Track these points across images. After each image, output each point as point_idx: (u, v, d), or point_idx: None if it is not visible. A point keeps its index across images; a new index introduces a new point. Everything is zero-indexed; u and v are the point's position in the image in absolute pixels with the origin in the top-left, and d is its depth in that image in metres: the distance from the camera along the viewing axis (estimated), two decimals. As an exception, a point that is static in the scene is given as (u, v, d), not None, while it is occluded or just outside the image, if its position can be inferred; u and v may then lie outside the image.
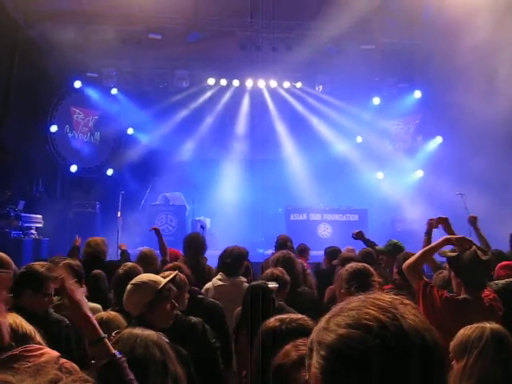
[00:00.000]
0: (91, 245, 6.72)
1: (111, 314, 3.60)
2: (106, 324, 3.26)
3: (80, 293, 2.51)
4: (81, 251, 7.29)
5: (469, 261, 3.57)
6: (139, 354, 2.37)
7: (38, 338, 2.47)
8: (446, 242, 3.73)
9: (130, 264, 4.72)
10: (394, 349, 1.05)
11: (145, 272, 5.71)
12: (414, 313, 1.13)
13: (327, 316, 1.16)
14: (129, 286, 3.53)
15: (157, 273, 5.52)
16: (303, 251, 8.39)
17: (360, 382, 1.04)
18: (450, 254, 3.72)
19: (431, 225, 4.13)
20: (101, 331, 2.40)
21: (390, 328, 1.07)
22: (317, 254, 9.37)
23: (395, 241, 7.24)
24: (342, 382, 1.06)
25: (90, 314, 2.44)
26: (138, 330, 2.49)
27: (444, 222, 4.08)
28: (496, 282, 4.23)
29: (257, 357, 2.45)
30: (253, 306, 3.81)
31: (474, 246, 3.62)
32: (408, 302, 1.17)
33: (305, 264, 6.47)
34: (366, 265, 3.90)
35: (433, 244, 3.88)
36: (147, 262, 6.05)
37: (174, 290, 3.56)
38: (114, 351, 2.25)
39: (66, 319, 3.95)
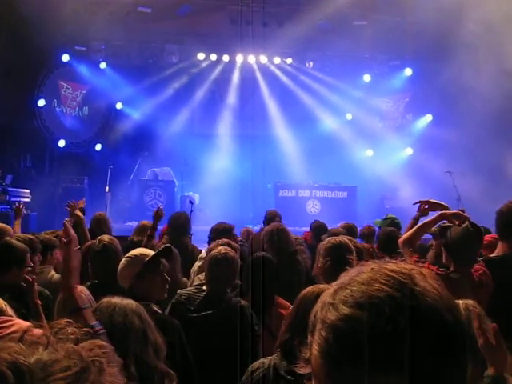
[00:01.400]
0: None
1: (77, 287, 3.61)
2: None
3: (77, 259, 2.51)
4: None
5: (458, 235, 3.55)
6: (118, 322, 2.37)
7: (10, 311, 2.47)
8: (441, 217, 3.71)
9: (105, 237, 4.69)
10: (407, 335, 0.90)
11: (142, 242, 5.79)
12: (434, 286, 0.98)
13: (334, 286, 1.02)
14: (122, 261, 3.62)
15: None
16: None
17: (365, 372, 0.91)
18: (442, 226, 3.73)
19: (422, 211, 4.02)
20: (81, 302, 2.41)
21: (405, 310, 0.92)
22: (306, 230, 9.39)
23: (391, 216, 7.22)
24: (343, 369, 0.93)
25: (74, 285, 2.43)
26: (116, 299, 2.49)
27: (437, 208, 3.98)
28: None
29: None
30: (254, 277, 3.82)
31: (467, 221, 3.60)
32: (427, 271, 1.02)
33: (299, 239, 6.50)
34: (345, 240, 3.82)
35: (429, 219, 3.84)
36: (145, 233, 6.14)
37: (164, 264, 3.57)
38: (92, 322, 2.25)
39: (46, 290, 3.98)
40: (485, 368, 2.25)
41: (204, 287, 4.09)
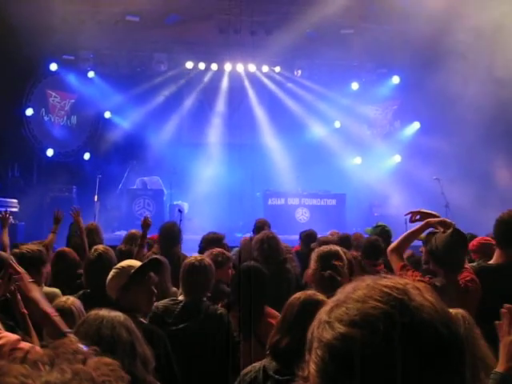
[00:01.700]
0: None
1: (67, 301, 3.57)
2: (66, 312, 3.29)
3: (36, 290, 2.47)
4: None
5: (442, 242, 3.56)
6: (106, 334, 2.35)
7: None
8: (428, 225, 3.73)
9: (100, 247, 4.67)
10: (402, 351, 0.90)
11: (131, 252, 5.78)
12: (430, 300, 0.98)
13: (331, 304, 1.02)
14: (110, 272, 3.58)
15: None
16: None
17: None
18: (426, 235, 3.75)
19: (414, 222, 4.03)
20: (63, 326, 2.38)
21: (399, 327, 0.92)
22: (295, 238, 9.40)
23: (381, 223, 7.26)
24: None
25: (49, 310, 2.39)
26: (104, 312, 2.48)
27: (429, 218, 3.98)
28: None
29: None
30: (243, 287, 3.82)
31: (451, 228, 3.61)
32: (422, 285, 1.03)
33: (289, 248, 6.51)
34: (335, 248, 3.86)
35: (414, 228, 3.87)
36: (134, 243, 6.14)
37: (151, 277, 3.54)
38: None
39: None
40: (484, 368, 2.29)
41: (180, 298, 4.08)
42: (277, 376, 2.54)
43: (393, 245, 3.86)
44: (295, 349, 2.48)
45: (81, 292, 4.26)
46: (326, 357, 0.95)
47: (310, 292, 2.89)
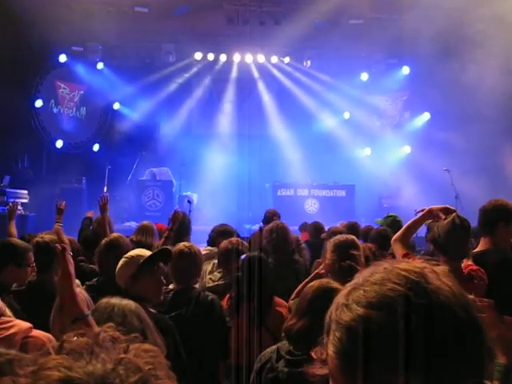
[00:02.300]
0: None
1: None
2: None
3: (73, 267, 2.49)
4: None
5: (444, 229, 3.55)
6: (117, 322, 2.32)
7: (9, 312, 2.46)
8: (430, 212, 3.72)
9: (114, 235, 4.69)
10: (420, 333, 0.91)
11: (142, 242, 5.80)
12: (447, 284, 0.99)
13: (348, 287, 1.03)
14: (120, 261, 3.58)
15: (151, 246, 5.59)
16: (305, 228, 8.57)
17: (380, 371, 0.92)
18: (429, 223, 3.73)
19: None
20: (84, 309, 2.38)
21: (417, 308, 0.93)
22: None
23: (393, 214, 7.23)
24: (359, 369, 0.93)
25: (76, 291, 2.41)
26: (115, 300, 2.48)
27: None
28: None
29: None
30: (250, 276, 3.83)
31: (454, 214, 3.59)
32: (440, 268, 1.03)
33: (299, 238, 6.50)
34: (351, 237, 3.85)
35: (417, 216, 3.86)
36: (146, 234, 6.14)
37: (161, 267, 3.53)
38: (96, 330, 2.22)
39: None
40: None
41: (170, 286, 4.09)
42: (288, 356, 2.67)
43: (397, 235, 3.84)
44: (307, 332, 2.58)
45: (95, 279, 4.28)
46: (344, 338, 0.96)
47: (325, 280, 2.97)
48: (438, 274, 1.01)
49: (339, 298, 1.02)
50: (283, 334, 2.85)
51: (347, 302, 0.99)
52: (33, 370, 0.82)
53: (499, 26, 11.57)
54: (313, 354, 1.15)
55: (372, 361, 0.92)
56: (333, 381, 1.01)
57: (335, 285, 2.76)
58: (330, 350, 1.00)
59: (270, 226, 5.60)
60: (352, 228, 6.74)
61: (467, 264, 3.64)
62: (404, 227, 3.87)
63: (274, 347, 2.83)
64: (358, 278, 1.03)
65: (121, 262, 3.54)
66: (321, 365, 1.05)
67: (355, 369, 0.94)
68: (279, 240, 5.37)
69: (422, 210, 3.99)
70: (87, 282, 4.21)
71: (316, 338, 1.08)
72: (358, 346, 0.94)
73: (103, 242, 4.50)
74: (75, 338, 0.92)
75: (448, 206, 3.70)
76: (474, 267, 3.61)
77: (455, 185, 12.37)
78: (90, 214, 8.10)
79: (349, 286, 1.03)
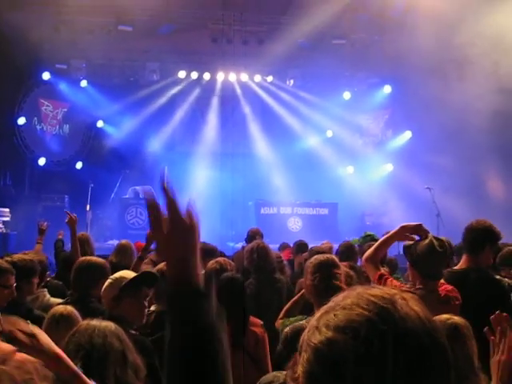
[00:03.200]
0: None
1: (67, 309, 3.55)
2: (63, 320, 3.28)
3: (45, 338, 2.36)
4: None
5: (423, 250, 3.55)
6: (98, 343, 2.36)
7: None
8: (403, 230, 3.72)
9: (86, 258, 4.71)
10: (383, 359, 0.93)
11: (121, 263, 5.77)
12: (416, 310, 1.01)
13: (321, 311, 1.06)
14: (106, 282, 3.58)
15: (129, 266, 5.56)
16: (285, 248, 8.56)
17: None
18: (405, 243, 3.73)
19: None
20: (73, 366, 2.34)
21: (381, 334, 0.95)
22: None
23: (370, 233, 7.19)
24: None
25: (59, 351, 2.22)
26: (95, 322, 2.49)
27: (419, 232, 4.02)
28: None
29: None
30: (225, 298, 3.80)
31: (429, 235, 3.61)
32: (410, 296, 1.05)
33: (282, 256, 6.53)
34: (331, 256, 3.83)
35: (389, 234, 3.85)
36: (124, 254, 6.13)
37: (144, 290, 3.51)
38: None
39: (44, 314, 3.92)
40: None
41: (152, 308, 4.09)
42: None
43: (367, 253, 3.82)
44: None
45: (68, 297, 4.28)
46: (311, 359, 1.00)
47: None
48: (408, 300, 1.03)
49: (312, 320, 1.06)
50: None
51: (318, 325, 1.02)
52: None
53: (482, 44, 11.76)
54: (286, 373, 1.18)
55: (336, 382, 0.95)
56: None
57: None
58: (300, 369, 1.03)
59: (251, 245, 5.63)
60: (347, 249, 6.67)
61: (442, 283, 3.67)
62: (374, 246, 3.85)
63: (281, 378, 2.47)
64: (332, 303, 1.06)
65: (106, 283, 3.54)
66: (292, 383, 1.09)
67: None
68: (260, 260, 5.39)
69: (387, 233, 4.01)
70: (61, 300, 4.21)
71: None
72: (323, 367, 0.97)
73: (75, 263, 4.51)
74: None
75: (421, 224, 3.70)
76: (449, 287, 3.64)
77: (437, 202, 12.48)
78: (60, 234, 8.07)
79: (322, 309, 1.07)
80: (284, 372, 2.56)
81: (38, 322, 3.82)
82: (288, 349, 3.43)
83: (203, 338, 1.19)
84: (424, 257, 3.53)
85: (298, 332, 3.47)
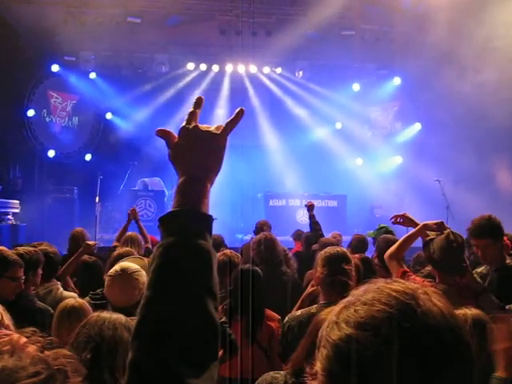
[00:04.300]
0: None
1: (78, 301, 3.55)
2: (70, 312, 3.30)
3: None
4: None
5: (439, 246, 3.55)
6: (108, 335, 2.37)
7: (7, 321, 2.43)
8: (424, 228, 3.73)
9: (123, 249, 4.76)
10: (406, 356, 0.91)
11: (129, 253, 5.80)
12: (438, 306, 0.98)
13: (341, 305, 1.04)
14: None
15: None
16: (299, 236, 8.58)
17: None
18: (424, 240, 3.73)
19: (395, 223, 4.18)
20: None
21: (402, 331, 0.93)
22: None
23: (384, 225, 7.12)
24: None
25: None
26: (105, 314, 2.50)
27: (411, 225, 4.09)
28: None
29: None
30: (243, 290, 3.79)
31: (447, 231, 3.60)
32: (432, 291, 1.03)
33: (286, 250, 6.51)
34: (342, 250, 3.76)
35: (411, 231, 3.87)
36: (131, 245, 6.19)
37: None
38: None
39: (50, 308, 3.93)
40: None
41: None
42: None
43: (390, 250, 3.84)
44: None
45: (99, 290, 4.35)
46: (331, 356, 0.98)
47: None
48: (430, 295, 1.01)
49: (331, 315, 1.04)
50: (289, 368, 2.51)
51: (337, 320, 1.00)
52: None
53: (498, 34, 11.67)
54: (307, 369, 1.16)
55: (356, 381, 0.93)
56: None
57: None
58: (318, 365, 1.01)
59: (258, 237, 5.64)
60: (359, 242, 6.69)
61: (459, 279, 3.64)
62: (398, 243, 3.88)
63: (281, 380, 2.48)
64: (351, 297, 1.04)
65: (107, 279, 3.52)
66: (311, 378, 1.07)
67: None
68: (267, 252, 5.39)
69: (395, 216, 4.02)
70: (91, 292, 4.22)
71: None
72: (343, 365, 0.95)
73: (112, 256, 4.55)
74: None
75: (443, 221, 3.71)
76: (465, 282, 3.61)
77: (446, 195, 12.43)
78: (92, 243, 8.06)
79: (342, 303, 1.05)
80: (282, 372, 2.53)
81: (40, 313, 3.86)
82: (287, 338, 3.43)
83: (204, 257, 1.21)
84: (440, 252, 3.52)
85: (296, 321, 3.45)
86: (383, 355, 0.92)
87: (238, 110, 1.45)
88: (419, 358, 0.92)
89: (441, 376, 0.93)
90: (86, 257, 5.69)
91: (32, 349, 0.98)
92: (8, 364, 0.91)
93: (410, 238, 3.83)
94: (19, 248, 4.40)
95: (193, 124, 1.44)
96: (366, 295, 1.02)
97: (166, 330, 1.11)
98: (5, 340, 1.01)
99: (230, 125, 1.48)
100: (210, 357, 1.14)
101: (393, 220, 4.09)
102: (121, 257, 4.30)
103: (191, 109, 1.46)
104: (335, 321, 1.01)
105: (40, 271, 4.37)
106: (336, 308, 1.05)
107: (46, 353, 0.97)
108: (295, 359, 2.53)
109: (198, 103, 1.50)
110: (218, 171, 1.47)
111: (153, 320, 1.13)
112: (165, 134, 1.43)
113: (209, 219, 1.30)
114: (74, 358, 1.01)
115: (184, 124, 1.43)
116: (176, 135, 1.42)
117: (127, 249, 4.87)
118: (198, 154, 1.40)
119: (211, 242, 1.25)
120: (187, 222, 1.24)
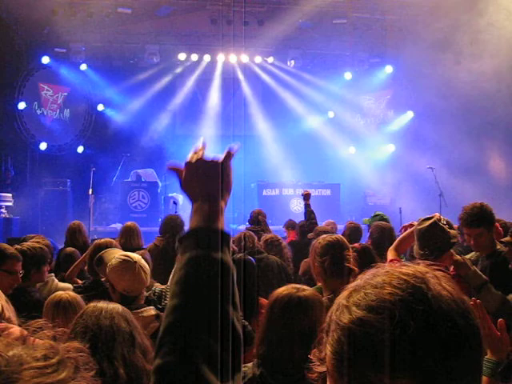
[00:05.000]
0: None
1: (70, 294, 3.55)
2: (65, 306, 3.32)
3: None
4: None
5: (421, 229, 3.50)
6: (105, 325, 2.38)
7: (8, 313, 2.44)
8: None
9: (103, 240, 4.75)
10: (418, 339, 0.92)
11: (127, 245, 5.81)
12: (448, 290, 0.99)
13: (350, 289, 1.04)
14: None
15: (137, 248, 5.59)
16: (291, 226, 8.61)
17: (376, 374, 0.93)
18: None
19: None
20: None
21: (416, 314, 0.93)
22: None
23: (379, 212, 7.15)
24: (355, 370, 0.95)
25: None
26: (102, 304, 2.50)
27: None
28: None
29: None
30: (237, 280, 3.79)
31: (436, 215, 3.58)
32: (441, 274, 1.03)
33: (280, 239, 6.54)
34: (340, 237, 3.75)
35: (412, 228, 3.83)
36: (130, 235, 6.17)
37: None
38: None
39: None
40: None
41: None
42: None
43: (393, 245, 3.86)
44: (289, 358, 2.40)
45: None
46: (342, 339, 0.98)
47: (299, 286, 2.65)
48: (440, 279, 1.01)
49: (340, 299, 1.04)
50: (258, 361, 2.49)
51: (347, 304, 1.00)
52: None
53: (483, 24, 11.69)
54: (311, 356, 1.16)
55: (368, 364, 0.93)
56: (330, 379, 1.03)
57: (307, 292, 2.55)
58: (328, 349, 1.01)
59: (238, 235, 5.80)
60: (354, 230, 6.74)
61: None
62: (399, 238, 3.92)
63: (248, 372, 2.46)
64: (360, 280, 1.04)
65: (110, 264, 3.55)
66: (319, 363, 1.07)
67: (351, 370, 0.95)
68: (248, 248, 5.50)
69: (406, 227, 3.99)
70: (75, 285, 4.22)
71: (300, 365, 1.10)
72: (355, 348, 0.95)
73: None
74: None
75: (441, 216, 3.68)
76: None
77: (439, 182, 12.47)
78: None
79: (350, 287, 1.05)
80: (249, 364, 2.49)
81: (40, 306, 3.87)
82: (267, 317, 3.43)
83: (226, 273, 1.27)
84: (420, 235, 3.50)
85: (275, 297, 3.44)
86: (397, 338, 0.92)
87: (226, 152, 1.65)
88: (433, 341, 0.92)
89: (454, 360, 0.93)
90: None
91: (43, 339, 0.98)
92: (20, 352, 0.92)
93: (411, 234, 3.80)
94: (24, 244, 4.39)
95: (195, 158, 1.56)
96: (375, 278, 1.02)
97: (193, 337, 1.17)
98: (15, 330, 1.03)
99: (229, 156, 1.65)
100: (234, 367, 1.18)
101: (402, 231, 4.06)
102: (101, 247, 4.32)
103: (196, 149, 1.64)
104: (345, 304, 1.01)
105: (46, 268, 4.35)
106: (344, 292, 1.05)
107: (58, 343, 0.98)
108: (257, 348, 2.55)
109: (203, 146, 1.67)
110: (230, 190, 1.57)
111: (180, 327, 1.19)
112: (174, 170, 1.55)
113: (226, 235, 1.37)
114: (85, 352, 1.02)
115: (187, 160, 1.56)
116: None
117: (107, 239, 4.85)
118: (204, 181, 1.50)
119: (231, 256, 1.33)
120: (207, 238, 1.32)
